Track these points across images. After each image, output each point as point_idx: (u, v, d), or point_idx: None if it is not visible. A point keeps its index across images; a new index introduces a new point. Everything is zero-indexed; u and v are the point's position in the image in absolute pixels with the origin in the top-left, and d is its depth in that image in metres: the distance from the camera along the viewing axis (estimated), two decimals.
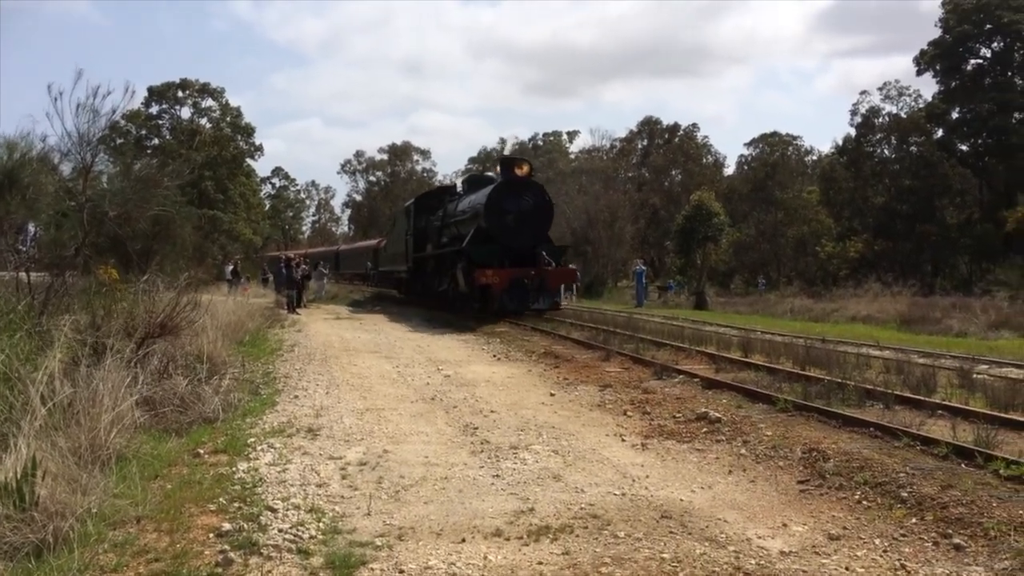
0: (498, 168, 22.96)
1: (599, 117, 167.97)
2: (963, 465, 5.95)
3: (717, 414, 8.11)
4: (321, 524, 5.03)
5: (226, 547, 4.56)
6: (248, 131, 62.25)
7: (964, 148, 45.82)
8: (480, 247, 20.44)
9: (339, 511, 5.32)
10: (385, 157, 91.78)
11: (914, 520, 5.06)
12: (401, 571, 4.29)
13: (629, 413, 8.72)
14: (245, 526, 4.92)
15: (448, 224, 24.34)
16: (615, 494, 5.79)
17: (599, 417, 8.61)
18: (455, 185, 27.68)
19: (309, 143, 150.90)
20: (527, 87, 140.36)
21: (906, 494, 5.40)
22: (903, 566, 4.39)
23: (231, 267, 31.59)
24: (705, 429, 7.73)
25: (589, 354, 13.08)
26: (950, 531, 4.81)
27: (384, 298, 32.82)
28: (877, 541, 4.77)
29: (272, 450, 6.86)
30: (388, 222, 43.51)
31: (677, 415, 8.37)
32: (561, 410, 8.97)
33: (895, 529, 4.95)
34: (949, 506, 5.11)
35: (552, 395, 9.93)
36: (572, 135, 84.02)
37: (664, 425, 8.05)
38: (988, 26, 42.93)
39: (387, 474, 6.25)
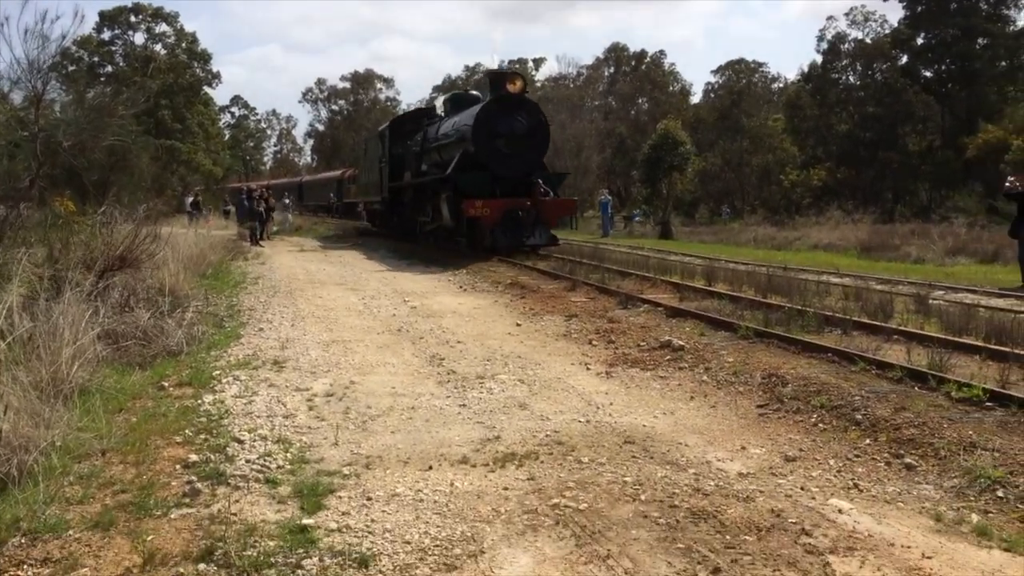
0: (489, 88, 20.21)
1: (566, 44, 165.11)
2: (916, 388, 6.11)
3: (680, 342, 8.23)
4: (288, 454, 5.06)
5: (193, 478, 4.59)
6: (205, 58, 60.32)
7: (928, 74, 45.94)
8: (468, 175, 18.21)
9: (306, 441, 5.36)
10: (348, 85, 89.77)
11: (868, 441, 5.22)
12: (369, 498, 4.36)
13: (594, 342, 8.82)
14: (212, 457, 4.95)
15: (429, 150, 22.12)
16: (580, 421, 5.89)
17: (564, 346, 8.70)
18: (434, 108, 24.56)
19: (269, 71, 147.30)
20: (492, 12, 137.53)
21: (861, 416, 5.56)
22: (856, 485, 4.55)
23: (191, 199, 31.06)
24: (668, 357, 7.84)
25: (555, 284, 13.13)
26: (902, 451, 4.98)
27: (353, 231, 32.52)
28: (832, 462, 4.92)
29: (238, 382, 6.86)
30: (359, 149, 40.22)
31: (641, 343, 8.48)
32: (527, 340, 9.04)
33: (849, 450, 5.11)
34: (902, 427, 5.27)
35: (518, 325, 10.00)
36: (538, 63, 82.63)
37: (628, 353, 8.15)
38: None
39: (354, 405, 6.29)
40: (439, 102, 22.40)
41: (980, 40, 42.93)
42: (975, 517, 4.05)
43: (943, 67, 44.75)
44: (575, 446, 5.27)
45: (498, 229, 17.49)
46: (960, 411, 5.52)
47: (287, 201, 37.80)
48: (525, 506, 4.22)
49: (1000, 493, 4.30)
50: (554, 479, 4.64)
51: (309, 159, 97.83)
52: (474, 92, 23.61)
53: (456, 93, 21.95)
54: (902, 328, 8.52)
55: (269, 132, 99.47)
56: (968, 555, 3.64)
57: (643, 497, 4.33)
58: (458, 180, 18.15)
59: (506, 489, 4.48)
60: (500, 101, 18.48)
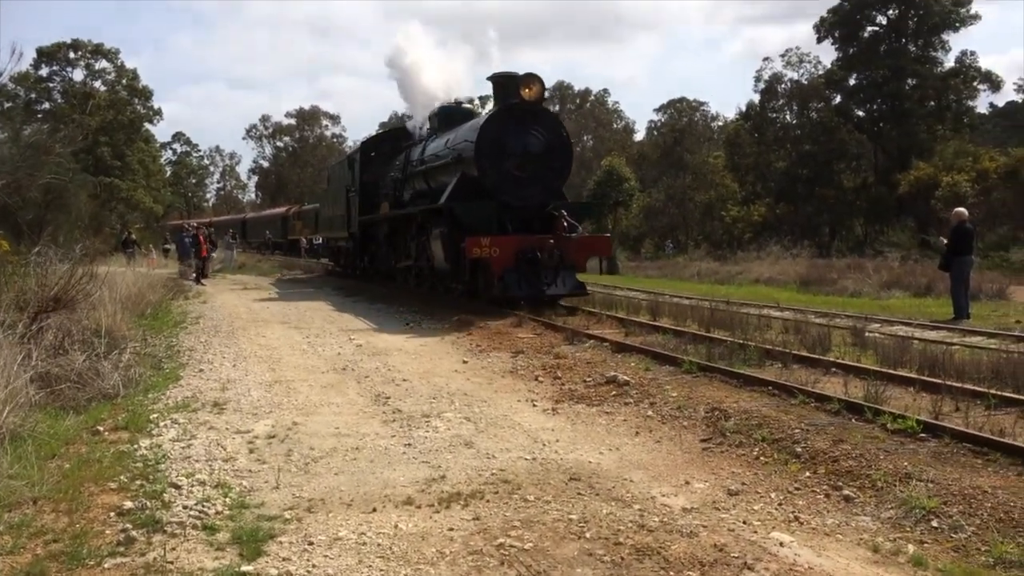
0: (483, 100, 17.08)
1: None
2: (854, 420, 6.25)
3: (626, 377, 8.29)
4: (228, 499, 4.95)
5: (128, 525, 4.45)
6: (146, 94, 59.60)
7: (861, 114, 47.46)
8: (469, 205, 14.46)
9: (247, 485, 5.24)
10: (293, 122, 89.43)
11: (808, 474, 5.30)
12: (310, 543, 4.27)
13: (540, 378, 8.84)
14: (148, 504, 4.81)
15: (413, 175, 18.56)
16: (526, 459, 5.87)
17: (511, 383, 8.70)
18: (414, 127, 20.43)
19: (213, 107, 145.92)
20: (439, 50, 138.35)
21: (800, 449, 5.65)
22: (796, 518, 4.61)
23: (124, 236, 30.52)
24: (614, 392, 7.89)
25: (501, 321, 13.14)
26: (840, 483, 5.07)
27: (302, 269, 32.16)
28: (773, 495, 4.99)
29: (176, 425, 6.70)
30: (321, 178, 38.46)
31: (587, 379, 8.52)
32: (474, 377, 9.02)
33: (790, 483, 5.19)
34: (840, 459, 5.37)
35: (465, 362, 9.97)
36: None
37: (574, 389, 8.18)
38: None
39: (296, 446, 6.19)
40: (424, 117, 18.57)
41: (909, 81, 44.55)
42: (911, 547, 4.13)
43: (875, 107, 46.29)
44: (521, 484, 5.25)
45: (510, 274, 13.71)
46: (895, 442, 5.65)
47: (230, 239, 37.26)
48: (470, 547, 4.18)
49: (935, 523, 4.40)
50: (500, 518, 4.61)
51: (253, 196, 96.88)
52: (467, 106, 19.59)
53: (445, 107, 18.14)
54: (839, 361, 8.73)
55: (212, 169, 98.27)
56: None
57: (588, 535, 4.33)
58: (456, 211, 14.37)
59: (451, 530, 4.43)
60: (511, 111, 14.74)
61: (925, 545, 4.18)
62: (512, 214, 14.58)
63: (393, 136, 22.13)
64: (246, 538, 4.31)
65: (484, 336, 11.78)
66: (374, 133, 24.13)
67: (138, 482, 5.23)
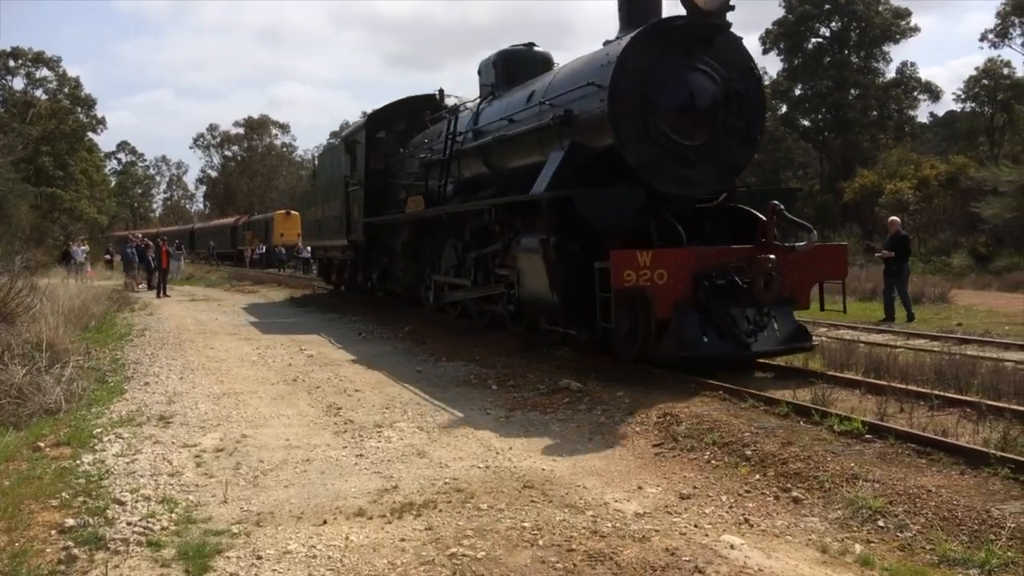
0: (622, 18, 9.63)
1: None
2: (801, 423, 6.35)
3: (579, 384, 8.31)
4: (174, 515, 4.83)
5: (69, 543, 4.32)
6: (88, 103, 58.37)
7: (806, 123, 48.45)
8: (604, 194, 8.88)
9: (193, 500, 5.13)
10: (241, 131, 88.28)
11: (758, 476, 5.37)
12: (259, 557, 4.19)
13: (494, 387, 8.81)
14: (90, 521, 4.67)
15: (461, 155, 12.57)
16: (479, 467, 5.85)
17: (465, 392, 8.66)
18: (435, 95, 15.77)
19: (160, 116, 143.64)
20: (391, 59, 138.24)
21: (750, 452, 5.72)
22: (747, 520, 4.66)
23: (66, 248, 29.79)
24: (567, 399, 7.90)
25: (457, 330, 13.09)
26: (789, 485, 5.14)
27: (252, 279, 31.70)
28: (724, 498, 5.04)
29: (120, 440, 6.53)
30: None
31: (541, 387, 8.51)
32: (428, 387, 8.96)
33: (740, 486, 5.24)
34: (789, 462, 5.44)
35: (419, 372, 9.91)
36: None
37: (528, 397, 8.18)
38: (827, 6, 45.38)
39: (245, 459, 6.08)
40: (483, 65, 12.74)
41: (852, 91, 45.67)
42: (858, 547, 4.20)
43: (819, 116, 47.33)
44: (474, 493, 5.23)
45: (689, 317, 8.07)
46: (842, 444, 5.75)
47: (176, 250, 36.62)
48: (422, 557, 4.14)
49: (881, 523, 4.48)
50: (452, 528, 4.58)
51: (201, 206, 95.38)
52: (538, 48, 12.81)
53: (512, 50, 12.55)
54: (788, 365, 8.86)
55: (158, 179, 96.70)
56: None
57: (541, 542, 4.32)
58: (581, 205, 8.53)
59: (403, 540, 4.39)
60: (670, 32, 8.87)
61: (872, 544, 4.25)
62: (664, 211, 8.84)
63: (411, 107, 16.48)
64: (192, 554, 4.21)
65: (438, 346, 11.72)
66: (380, 107, 17.13)
67: (80, 499, 5.09)
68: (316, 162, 24.62)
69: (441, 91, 15.87)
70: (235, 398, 8.34)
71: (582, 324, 9.25)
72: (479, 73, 12.98)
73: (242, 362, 10.72)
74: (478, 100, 12.91)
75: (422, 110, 15.69)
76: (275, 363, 10.62)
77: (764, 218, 8.69)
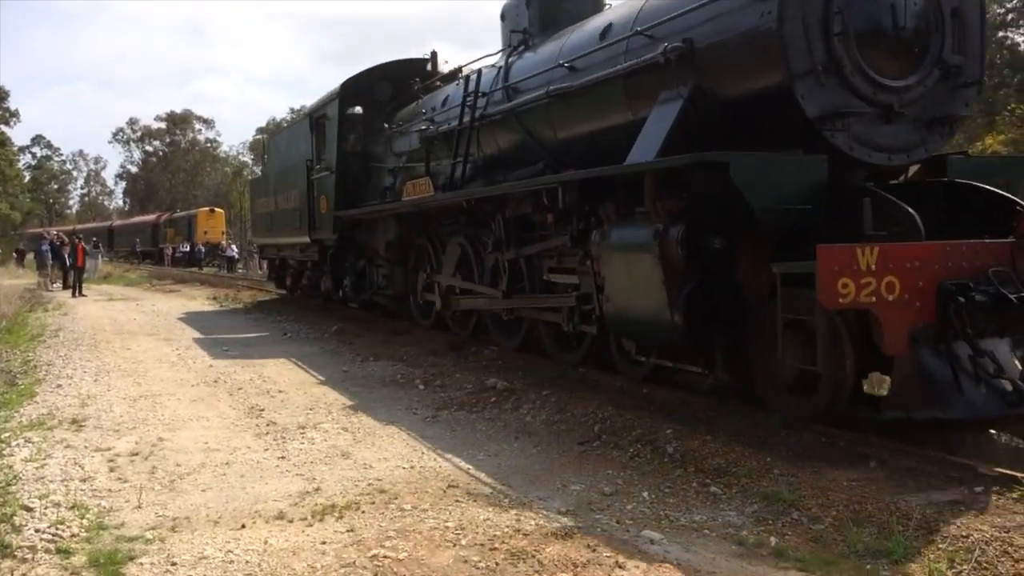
0: None
1: None
2: (723, 419, 6.46)
3: (506, 384, 8.32)
4: (85, 521, 4.66)
5: None
6: (1, 95, 56.12)
7: None
8: (773, 158, 5.74)
9: (106, 505, 4.96)
10: (163, 126, 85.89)
11: (679, 472, 5.46)
12: (173, 563, 4.08)
13: (421, 387, 8.77)
14: None
15: (491, 121, 9.65)
16: (404, 467, 5.80)
17: (391, 392, 8.59)
18: (433, 57, 13.31)
19: (77, 109, 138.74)
20: (321, 55, 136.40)
21: (672, 449, 5.81)
22: (667, 515, 4.74)
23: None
24: (494, 399, 7.91)
25: (385, 329, 12.97)
26: (708, 481, 5.25)
27: (174, 279, 30.88)
28: (646, 494, 5.11)
29: (29, 444, 6.28)
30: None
31: (468, 386, 8.51)
32: (353, 387, 8.86)
33: (662, 482, 5.32)
34: (708, 458, 5.55)
35: (345, 371, 9.79)
36: None
37: (455, 397, 8.16)
38: None
39: (161, 463, 5.91)
40: (508, 7, 10.10)
41: None
42: (773, 540, 4.31)
43: None
44: (398, 493, 5.18)
45: (931, 354, 5.11)
46: (760, 441, 5.88)
47: (94, 247, 35.45)
48: (343, 559, 4.09)
49: (795, 515, 4.60)
50: (375, 529, 4.53)
51: (121, 203, 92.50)
52: None
53: None
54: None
55: (76, 174, 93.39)
56: None
57: (464, 541, 4.31)
58: (740, 173, 5.51)
59: (324, 543, 4.32)
60: None
61: (786, 537, 4.37)
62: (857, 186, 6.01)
63: (397, 73, 13.62)
64: (103, 561, 4.07)
65: (366, 345, 11.60)
66: (357, 73, 14.02)
67: None
68: (265, 145, 20.95)
69: (434, 54, 13.21)
70: (152, 400, 8.10)
71: (714, 359, 6.48)
72: (502, 18, 10.17)
73: (160, 363, 10.43)
74: (502, 52, 10.08)
75: (410, 78, 12.85)
76: (195, 364, 10.36)
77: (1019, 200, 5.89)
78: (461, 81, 10.51)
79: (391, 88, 13.50)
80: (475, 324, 10.91)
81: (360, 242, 13.59)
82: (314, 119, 14.72)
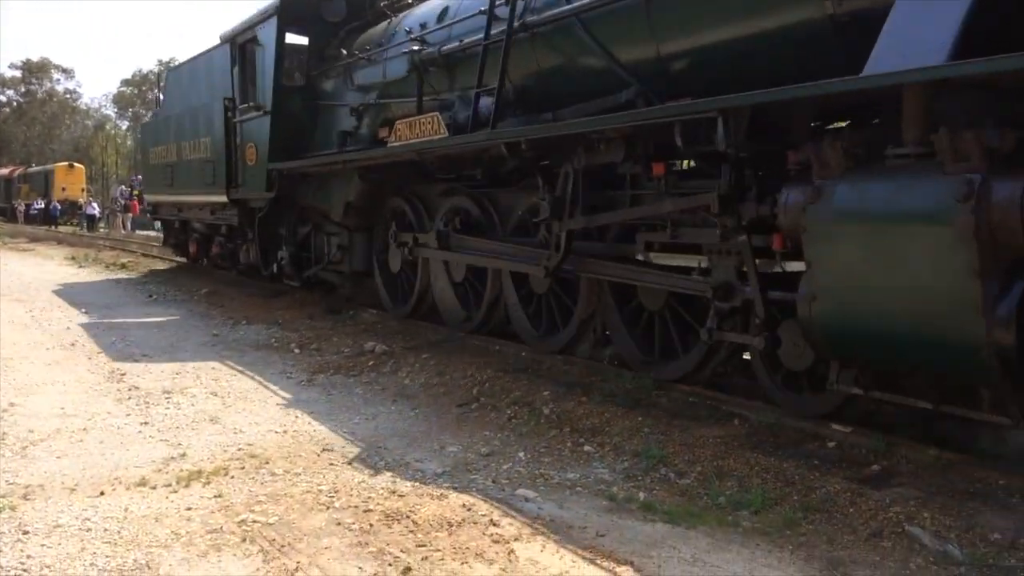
0: None
1: None
2: (596, 381, 6.59)
3: (384, 347, 8.23)
4: None
5: None
6: None
7: None
8: None
9: None
10: (18, 74, 79.80)
11: (554, 432, 5.55)
12: (25, 532, 3.84)
13: (297, 350, 8.57)
14: None
15: (538, 33, 6.63)
16: (276, 432, 5.66)
17: (265, 356, 8.36)
18: None
19: None
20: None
21: (548, 411, 5.90)
22: (542, 474, 4.81)
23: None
24: (372, 362, 7.81)
25: (259, 292, 12.55)
26: (582, 440, 5.36)
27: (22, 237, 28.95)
28: (521, 454, 5.17)
29: None
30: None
31: (345, 350, 8.37)
32: (224, 351, 8.58)
33: (538, 442, 5.40)
34: (583, 419, 5.67)
35: (215, 335, 9.46)
36: None
37: (332, 361, 8.01)
38: None
39: (13, 429, 5.55)
40: None
41: None
42: (642, 495, 4.44)
43: None
44: (270, 458, 5.05)
45: None
46: (632, 401, 6.04)
47: None
48: (209, 525, 3.95)
49: (663, 471, 4.76)
50: (244, 494, 4.40)
51: None
52: None
53: None
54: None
55: None
56: (636, 530, 3.98)
57: (337, 504, 4.24)
58: None
59: (189, 509, 4.17)
60: None
61: (654, 492, 4.51)
62: None
63: None
64: None
65: (237, 308, 11.23)
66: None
67: None
68: (160, 84, 16.85)
69: None
70: (2, 363, 7.59)
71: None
72: None
73: (13, 325, 9.77)
74: None
75: None
76: (51, 327, 9.77)
77: None
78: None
79: (345, 5, 10.74)
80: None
81: (303, 203, 10.91)
82: (238, 45, 11.53)
